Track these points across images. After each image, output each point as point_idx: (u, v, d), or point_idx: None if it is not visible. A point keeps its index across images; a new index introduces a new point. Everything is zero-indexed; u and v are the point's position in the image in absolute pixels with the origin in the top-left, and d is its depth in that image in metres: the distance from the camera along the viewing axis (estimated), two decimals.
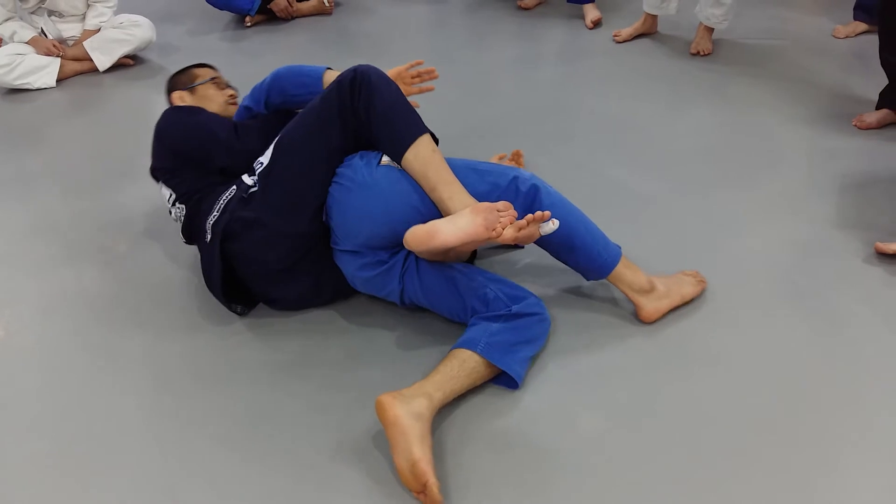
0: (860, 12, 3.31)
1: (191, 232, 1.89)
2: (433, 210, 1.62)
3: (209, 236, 1.74)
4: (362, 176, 1.64)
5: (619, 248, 1.73)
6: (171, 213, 1.94)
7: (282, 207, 1.68)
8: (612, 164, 2.43)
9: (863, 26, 3.30)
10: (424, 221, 1.52)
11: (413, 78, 2.02)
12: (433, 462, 1.37)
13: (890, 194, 2.18)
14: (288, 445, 1.51)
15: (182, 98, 2.08)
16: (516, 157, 2.35)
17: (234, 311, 1.86)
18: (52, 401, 1.66)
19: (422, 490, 1.33)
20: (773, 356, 1.65)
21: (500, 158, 2.36)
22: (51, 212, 2.40)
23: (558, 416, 1.53)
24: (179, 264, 2.08)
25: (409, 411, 1.40)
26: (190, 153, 1.88)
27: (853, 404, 1.53)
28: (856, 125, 2.55)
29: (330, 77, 1.86)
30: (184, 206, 1.88)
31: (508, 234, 1.47)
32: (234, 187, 1.76)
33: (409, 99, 1.76)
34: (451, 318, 1.72)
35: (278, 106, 1.94)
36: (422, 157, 1.62)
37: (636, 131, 2.64)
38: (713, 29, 3.23)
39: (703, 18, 3.21)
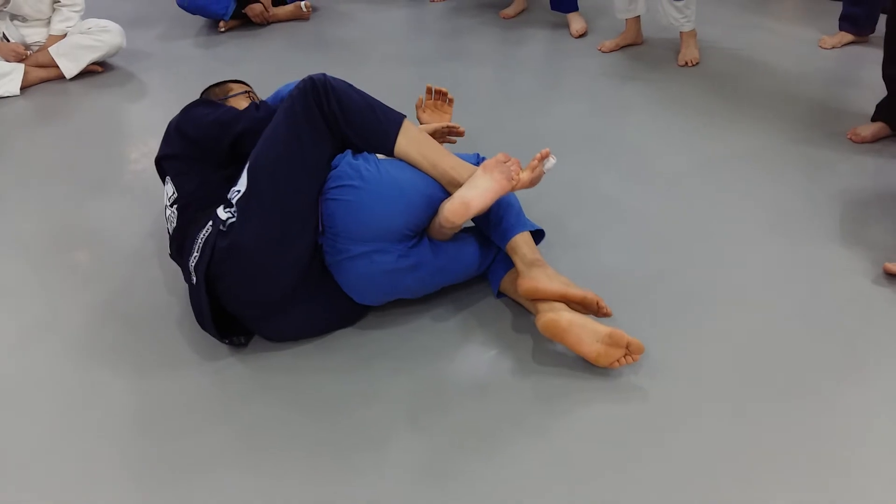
0: (846, 23, 3.29)
1: (175, 248, 1.75)
2: (438, 187, 1.66)
3: (194, 279, 1.62)
4: (369, 173, 1.61)
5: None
6: (165, 213, 1.83)
7: (269, 233, 1.56)
8: (597, 177, 2.36)
9: (849, 37, 3.28)
10: (436, 201, 1.63)
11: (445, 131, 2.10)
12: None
13: (891, 211, 2.13)
14: (283, 486, 1.40)
15: None
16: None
17: (235, 345, 1.73)
18: (26, 442, 1.53)
19: (626, 351, 1.55)
20: (779, 378, 1.59)
21: None
22: (15, 229, 2.25)
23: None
24: (157, 286, 1.96)
25: (567, 315, 1.58)
26: (208, 130, 1.77)
27: (864, 428, 1.47)
28: (850, 139, 2.51)
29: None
30: (176, 213, 1.73)
31: (525, 177, 1.66)
32: (211, 223, 1.61)
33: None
34: (468, 270, 1.80)
35: None
36: (413, 139, 1.67)
37: (622, 144, 2.58)
38: (695, 35, 3.20)
39: (673, 25, 3.23)
